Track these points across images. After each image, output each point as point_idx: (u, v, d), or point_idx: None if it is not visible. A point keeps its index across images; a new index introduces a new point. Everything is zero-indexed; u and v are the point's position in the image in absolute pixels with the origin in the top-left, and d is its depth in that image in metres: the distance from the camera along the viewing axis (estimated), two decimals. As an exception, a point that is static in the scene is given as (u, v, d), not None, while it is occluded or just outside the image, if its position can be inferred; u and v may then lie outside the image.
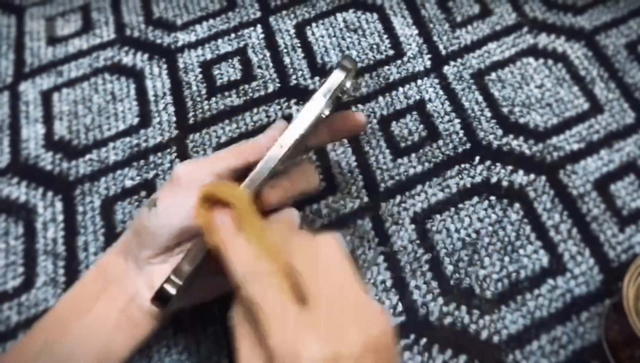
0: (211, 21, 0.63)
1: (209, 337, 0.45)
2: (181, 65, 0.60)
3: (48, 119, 0.58)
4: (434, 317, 0.45)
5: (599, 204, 0.49)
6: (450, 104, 0.55)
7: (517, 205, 0.49)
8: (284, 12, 0.63)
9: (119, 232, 0.51)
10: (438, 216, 0.49)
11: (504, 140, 0.52)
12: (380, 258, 0.47)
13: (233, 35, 0.62)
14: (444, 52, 0.58)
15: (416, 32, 0.60)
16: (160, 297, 0.36)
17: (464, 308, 0.45)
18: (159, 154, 0.55)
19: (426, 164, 0.52)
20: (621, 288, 0.39)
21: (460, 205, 0.49)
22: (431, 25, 0.60)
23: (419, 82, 0.56)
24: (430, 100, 0.55)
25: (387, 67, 0.58)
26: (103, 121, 0.57)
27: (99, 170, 0.54)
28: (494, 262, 0.47)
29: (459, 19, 0.60)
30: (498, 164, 0.51)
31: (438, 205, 0.50)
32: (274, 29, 0.62)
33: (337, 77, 0.37)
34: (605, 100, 0.54)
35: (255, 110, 0.56)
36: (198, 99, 0.58)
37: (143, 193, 0.53)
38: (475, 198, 0.50)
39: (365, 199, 0.50)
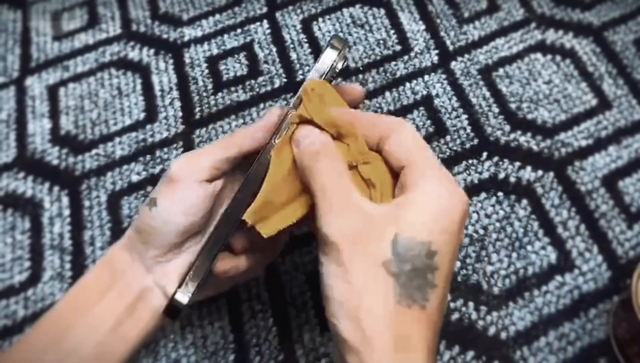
0: (217, 16, 0.63)
1: (215, 332, 0.45)
2: (187, 61, 0.60)
3: (54, 113, 0.58)
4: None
5: (607, 201, 0.48)
6: (458, 100, 0.54)
7: (524, 201, 0.49)
8: (290, 8, 0.63)
9: (125, 227, 0.51)
10: (445, 212, 0.49)
11: (512, 136, 0.52)
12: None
13: (239, 30, 0.62)
14: (451, 47, 0.58)
15: (423, 27, 0.60)
16: (172, 310, 0.37)
17: (471, 304, 0.45)
18: (165, 149, 0.55)
19: (433, 160, 0.51)
20: (629, 285, 0.39)
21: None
22: (438, 21, 0.60)
23: (426, 77, 0.56)
24: (437, 95, 0.55)
25: (394, 63, 0.57)
26: (109, 116, 0.57)
27: (105, 165, 0.54)
28: (502, 258, 0.46)
29: (466, 14, 0.60)
30: (506, 160, 0.51)
31: (445, 201, 0.49)
32: (280, 24, 0.62)
33: (329, 57, 0.37)
34: (614, 97, 0.53)
35: (261, 105, 0.56)
36: (204, 94, 0.57)
37: (149, 188, 0.52)
38: (483, 194, 0.49)
39: (372, 195, 0.50)
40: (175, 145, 0.55)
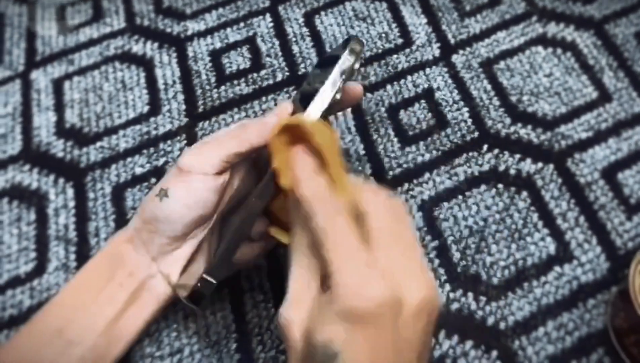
0: (220, 10, 0.63)
1: (218, 322, 0.46)
2: (191, 54, 0.61)
3: (59, 106, 0.59)
4: (441, 303, 0.45)
5: (606, 192, 0.49)
6: (459, 93, 0.55)
7: (524, 193, 0.49)
8: (293, 1, 0.63)
9: (129, 218, 0.51)
10: (446, 204, 0.49)
11: (512, 128, 0.52)
12: (388, 245, 0.48)
13: (242, 24, 0.62)
14: (452, 40, 0.58)
15: (425, 20, 0.60)
16: (196, 296, 0.38)
17: (470, 294, 0.45)
18: (169, 142, 0.55)
19: (434, 152, 0.52)
20: (627, 276, 0.39)
21: (468, 193, 0.50)
22: (440, 14, 0.60)
23: (428, 70, 0.56)
24: (438, 88, 0.55)
25: (395, 56, 0.58)
26: (113, 109, 0.58)
27: (110, 158, 0.55)
28: (501, 249, 0.47)
29: (468, 7, 0.60)
30: (506, 152, 0.51)
31: (446, 193, 0.50)
32: (283, 18, 0.62)
33: (347, 61, 0.37)
34: (614, 89, 0.54)
35: (264, 98, 0.57)
36: (207, 87, 0.58)
37: (153, 180, 0.53)
38: (483, 186, 0.50)
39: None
40: (178, 137, 0.55)
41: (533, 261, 0.46)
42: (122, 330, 0.39)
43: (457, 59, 0.57)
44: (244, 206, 0.38)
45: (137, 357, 0.45)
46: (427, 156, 0.52)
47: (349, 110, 0.55)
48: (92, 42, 0.63)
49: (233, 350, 0.45)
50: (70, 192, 0.53)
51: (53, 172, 0.55)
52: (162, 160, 0.54)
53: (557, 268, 0.46)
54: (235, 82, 0.58)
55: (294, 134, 0.34)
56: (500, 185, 0.50)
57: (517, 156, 0.51)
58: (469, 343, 0.43)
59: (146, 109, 0.57)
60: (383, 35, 0.59)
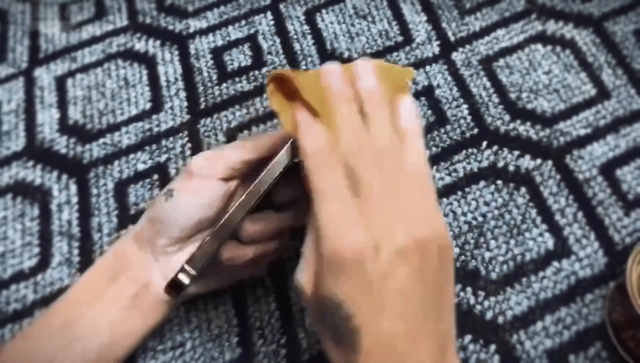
0: (222, 8, 0.64)
1: (219, 316, 0.46)
2: (192, 52, 0.61)
3: (62, 103, 0.59)
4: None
5: (604, 189, 0.49)
6: (459, 90, 0.55)
7: (523, 189, 0.49)
8: (294, -1, 0.64)
9: (131, 214, 0.52)
10: (445, 199, 0.50)
11: (512, 125, 0.53)
12: (388, 241, 0.48)
13: (244, 21, 0.63)
14: (452, 38, 0.59)
15: (425, 18, 0.60)
16: (175, 286, 0.38)
17: (469, 289, 0.46)
18: (171, 138, 0.56)
19: (434, 149, 0.52)
20: (625, 271, 0.39)
21: (467, 189, 0.50)
22: (440, 12, 0.60)
23: (428, 68, 0.57)
24: (438, 86, 0.56)
25: (395, 53, 0.58)
26: (116, 106, 0.58)
27: (112, 154, 0.55)
28: (500, 244, 0.47)
29: (468, 5, 0.61)
30: (505, 149, 0.52)
31: (445, 188, 0.50)
32: (284, 16, 0.62)
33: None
34: (613, 86, 0.54)
35: (265, 95, 0.57)
36: (209, 84, 0.58)
37: (155, 176, 0.54)
38: (482, 183, 0.50)
39: (373, 183, 0.51)
40: (180, 134, 0.56)
41: (531, 256, 0.47)
42: (125, 331, 0.39)
43: (457, 56, 0.57)
44: (237, 198, 0.38)
45: (139, 350, 0.45)
46: (427, 153, 0.52)
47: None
48: (94, 40, 0.63)
49: (234, 344, 0.45)
50: (73, 188, 0.54)
51: (56, 168, 0.55)
52: (164, 157, 0.55)
53: (556, 264, 0.46)
54: (237, 79, 0.58)
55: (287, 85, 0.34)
56: (499, 182, 0.50)
57: (516, 153, 0.51)
58: (467, 337, 0.44)
59: (148, 106, 0.58)
60: (383, 32, 0.60)
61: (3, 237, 0.52)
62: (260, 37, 0.61)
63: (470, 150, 0.52)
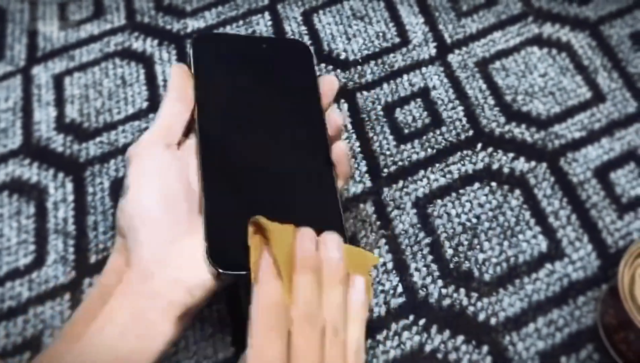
0: (220, 8, 0.64)
1: (213, 315, 0.47)
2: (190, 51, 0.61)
3: (60, 102, 0.59)
4: (433, 299, 0.46)
5: (598, 191, 0.49)
6: (454, 92, 0.55)
7: (517, 192, 0.50)
8: (292, 0, 0.64)
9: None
10: (439, 201, 0.50)
11: (507, 127, 0.53)
12: (382, 241, 0.48)
13: (241, 22, 0.63)
14: (449, 40, 0.59)
15: (422, 20, 0.60)
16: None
17: (462, 290, 0.46)
18: (167, 138, 0.56)
19: (429, 150, 0.52)
20: (617, 273, 0.40)
21: (462, 191, 0.50)
22: (437, 14, 0.61)
23: (424, 69, 0.57)
24: (434, 87, 0.56)
25: (392, 55, 0.58)
26: (113, 105, 0.59)
27: (109, 153, 0.56)
28: (494, 246, 0.48)
29: (464, 7, 0.61)
30: (500, 151, 0.52)
31: (440, 190, 0.50)
32: (282, 16, 0.63)
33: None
34: (608, 90, 0.54)
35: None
36: (206, 84, 0.59)
37: (151, 175, 0.54)
38: (477, 184, 0.50)
39: (368, 184, 0.51)
40: (177, 133, 0.56)
41: (525, 258, 0.47)
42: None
43: (453, 58, 0.57)
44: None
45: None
46: (422, 154, 0.52)
47: (344, 107, 0.55)
48: (92, 39, 0.63)
49: (229, 343, 0.46)
50: (69, 186, 0.54)
51: (53, 167, 0.55)
52: (160, 156, 0.55)
53: (549, 266, 0.46)
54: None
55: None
56: (493, 184, 0.50)
57: (511, 155, 0.51)
58: (460, 338, 0.44)
59: (145, 105, 0.58)
60: (380, 34, 0.60)
61: (-1, 234, 0.52)
62: (257, 38, 0.61)
63: (465, 151, 0.52)
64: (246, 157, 0.37)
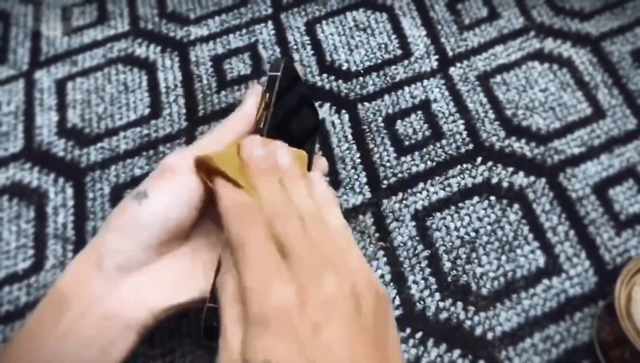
0: (223, 16, 0.64)
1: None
2: (193, 59, 0.61)
3: (62, 106, 0.60)
4: (430, 312, 0.46)
5: (597, 208, 0.49)
6: (455, 105, 0.56)
7: (516, 206, 0.50)
8: (295, 10, 0.64)
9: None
10: (438, 214, 0.50)
11: (507, 142, 0.53)
12: (380, 253, 0.49)
13: (244, 30, 0.63)
14: (450, 53, 0.59)
15: (424, 33, 0.61)
16: (208, 332, 0.34)
17: (460, 304, 0.46)
18: (169, 145, 0.56)
19: (429, 163, 0.53)
20: (614, 290, 0.40)
21: (461, 204, 0.50)
22: (439, 27, 0.61)
23: (425, 82, 0.57)
24: (435, 100, 0.56)
25: (394, 67, 0.59)
26: (115, 111, 0.59)
27: (110, 158, 0.56)
28: (491, 260, 0.48)
29: (467, 21, 0.61)
30: (499, 165, 0.52)
31: (439, 203, 0.51)
32: (285, 26, 0.63)
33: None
34: (608, 106, 0.54)
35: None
36: (208, 92, 0.59)
37: (151, 182, 0.54)
38: (476, 198, 0.51)
39: (368, 195, 0.51)
40: (178, 141, 0.56)
41: (522, 273, 0.47)
42: None
43: (455, 71, 0.58)
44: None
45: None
46: (422, 166, 0.52)
47: (345, 118, 0.55)
48: (96, 44, 0.64)
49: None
50: (69, 191, 0.54)
51: (53, 171, 0.55)
52: (161, 163, 0.55)
53: (546, 281, 0.47)
54: (236, 87, 0.59)
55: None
56: (492, 198, 0.50)
57: (510, 169, 0.52)
58: (456, 352, 0.44)
59: (147, 111, 0.58)
60: (382, 46, 0.60)
61: (-2, 238, 0.52)
62: (260, 47, 0.62)
63: (464, 165, 0.52)
64: None
